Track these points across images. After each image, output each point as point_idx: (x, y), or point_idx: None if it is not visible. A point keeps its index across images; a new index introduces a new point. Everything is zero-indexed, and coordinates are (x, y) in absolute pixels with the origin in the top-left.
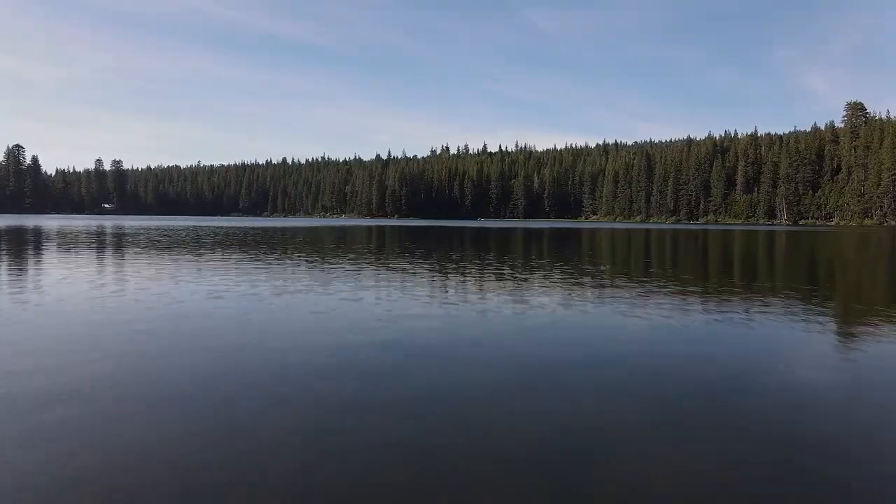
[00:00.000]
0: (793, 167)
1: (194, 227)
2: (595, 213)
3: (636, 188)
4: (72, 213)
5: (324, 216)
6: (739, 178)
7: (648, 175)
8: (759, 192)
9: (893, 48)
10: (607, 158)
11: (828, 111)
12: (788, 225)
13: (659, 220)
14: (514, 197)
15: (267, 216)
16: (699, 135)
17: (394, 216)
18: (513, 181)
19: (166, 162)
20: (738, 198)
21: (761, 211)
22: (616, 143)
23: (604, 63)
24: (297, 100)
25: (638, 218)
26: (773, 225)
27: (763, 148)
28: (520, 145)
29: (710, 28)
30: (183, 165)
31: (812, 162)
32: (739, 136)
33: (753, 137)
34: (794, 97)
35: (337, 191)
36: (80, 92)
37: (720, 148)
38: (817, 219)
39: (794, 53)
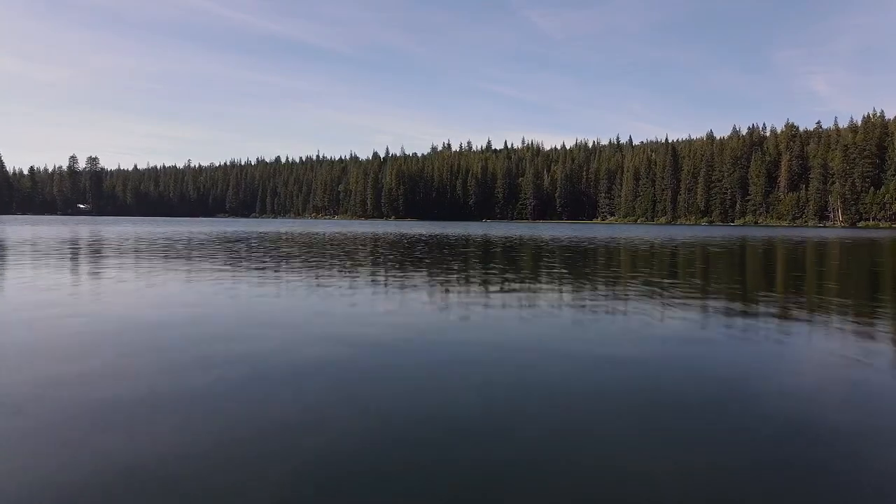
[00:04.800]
0: (848, 161)
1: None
2: (612, 215)
3: (660, 186)
4: (43, 213)
5: (315, 217)
6: (783, 175)
7: (675, 172)
8: (807, 190)
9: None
10: (622, 156)
11: (831, 112)
12: (845, 227)
13: (688, 222)
14: (523, 196)
15: (256, 217)
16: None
17: (390, 217)
18: (521, 179)
19: (166, 164)
20: (781, 196)
21: (811, 211)
22: (630, 141)
23: (605, 64)
24: (296, 100)
25: (663, 219)
26: (825, 227)
27: (799, 140)
28: (526, 142)
29: (711, 29)
30: (180, 166)
31: (872, 155)
32: (777, 128)
33: (792, 129)
34: (797, 98)
35: (329, 190)
36: (76, 93)
37: (755, 141)
38: (880, 220)
39: (796, 54)
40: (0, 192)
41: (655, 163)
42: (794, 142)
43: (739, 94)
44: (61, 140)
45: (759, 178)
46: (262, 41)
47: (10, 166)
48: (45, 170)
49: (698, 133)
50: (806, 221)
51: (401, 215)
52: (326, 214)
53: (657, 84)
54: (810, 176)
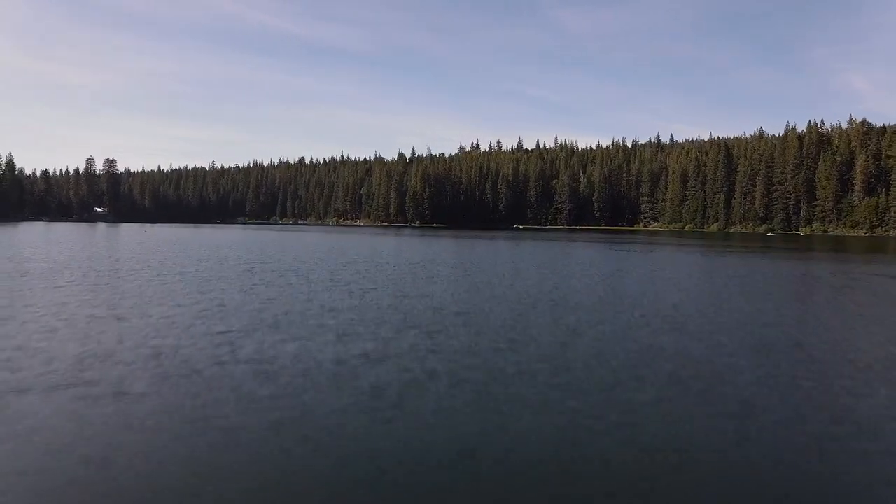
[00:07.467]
0: None
1: None
2: (656, 220)
3: (711, 189)
4: (59, 218)
5: (337, 221)
6: (859, 177)
7: (728, 173)
8: (888, 195)
9: None
10: (665, 156)
11: (867, 111)
12: None
13: (745, 230)
14: (558, 200)
15: (276, 221)
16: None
17: (415, 223)
18: (555, 181)
19: (190, 166)
20: (856, 201)
21: (892, 218)
22: (672, 139)
23: (636, 63)
24: (322, 102)
25: (714, 226)
26: None
27: (876, 138)
28: (559, 142)
29: (744, 26)
30: (207, 168)
31: None
32: (842, 125)
33: (865, 125)
34: (835, 96)
35: (352, 193)
36: (108, 96)
37: (822, 139)
38: None
39: (832, 52)
40: (10, 195)
41: (705, 164)
42: (869, 139)
43: (775, 92)
44: (91, 143)
45: (829, 180)
46: (289, 44)
47: (29, 170)
48: (67, 172)
49: (736, 133)
50: (887, 230)
51: (426, 220)
52: (348, 218)
53: (690, 83)
54: (891, 178)
